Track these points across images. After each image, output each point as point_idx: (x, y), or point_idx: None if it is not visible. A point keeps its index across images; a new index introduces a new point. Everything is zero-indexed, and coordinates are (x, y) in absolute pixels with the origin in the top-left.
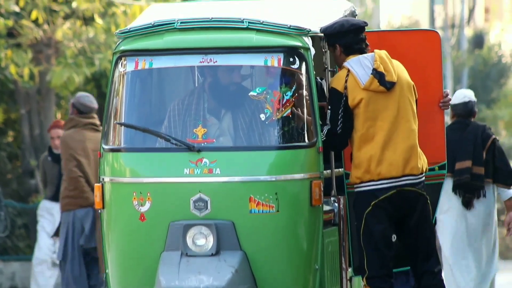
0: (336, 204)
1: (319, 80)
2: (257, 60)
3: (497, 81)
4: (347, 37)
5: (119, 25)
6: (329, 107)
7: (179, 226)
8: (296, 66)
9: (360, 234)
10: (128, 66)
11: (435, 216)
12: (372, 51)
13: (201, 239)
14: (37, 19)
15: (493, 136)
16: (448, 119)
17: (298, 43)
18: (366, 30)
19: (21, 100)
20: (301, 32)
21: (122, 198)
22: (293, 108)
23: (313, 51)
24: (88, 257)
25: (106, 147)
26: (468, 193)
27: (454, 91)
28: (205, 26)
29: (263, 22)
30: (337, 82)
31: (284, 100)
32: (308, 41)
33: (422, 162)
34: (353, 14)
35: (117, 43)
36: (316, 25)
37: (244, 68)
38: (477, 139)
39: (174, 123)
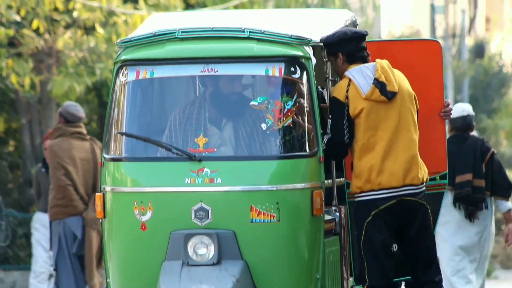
0: (337, 214)
1: (320, 89)
2: (258, 69)
3: (498, 90)
4: (350, 45)
5: (120, 34)
6: (330, 116)
7: (180, 236)
8: (297, 75)
9: (361, 243)
10: (129, 75)
11: (435, 226)
12: (374, 61)
13: (202, 249)
14: (38, 28)
15: (492, 150)
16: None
17: (299, 53)
18: (367, 40)
19: (22, 110)
20: (302, 41)
21: (123, 207)
22: (294, 118)
23: (314, 60)
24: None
25: (107, 156)
26: (471, 206)
27: (455, 101)
28: (206, 35)
29: (264, 31)
30: (339, 91)
31: (285, 110)
32: (309, 50)
33: (423, 172)
34: (354, 23)
35: (118, 52)
36: (317, 35)
37: (245, 77)
38: (476, 153)
39: (175, 132)
